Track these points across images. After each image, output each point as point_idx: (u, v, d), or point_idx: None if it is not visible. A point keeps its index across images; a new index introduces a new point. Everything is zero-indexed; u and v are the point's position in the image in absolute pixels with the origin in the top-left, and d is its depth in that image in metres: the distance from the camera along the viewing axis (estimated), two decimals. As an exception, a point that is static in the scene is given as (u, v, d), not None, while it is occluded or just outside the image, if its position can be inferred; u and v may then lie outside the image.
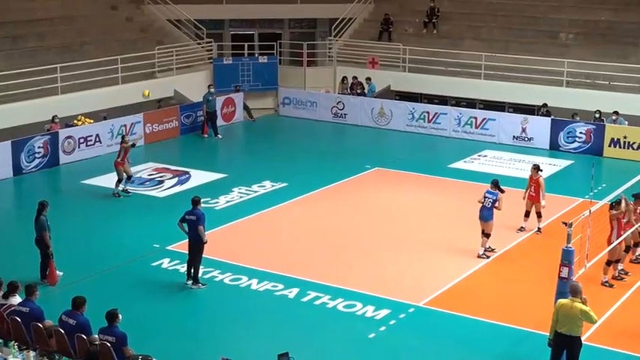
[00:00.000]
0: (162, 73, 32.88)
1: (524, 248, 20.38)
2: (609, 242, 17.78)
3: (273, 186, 24.88)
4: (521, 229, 21.19)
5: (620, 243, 17.98)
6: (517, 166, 27.47)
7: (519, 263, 19.52)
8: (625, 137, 28.99)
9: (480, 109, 32.58)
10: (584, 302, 13.55)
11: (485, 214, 19.66)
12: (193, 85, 33.41)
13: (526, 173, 26.39)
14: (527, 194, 21.34)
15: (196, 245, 17.69)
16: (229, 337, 15.80)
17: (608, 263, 18.09)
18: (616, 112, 29.68)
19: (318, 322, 16.38)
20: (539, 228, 21.13)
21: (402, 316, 16.62)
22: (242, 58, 35.82)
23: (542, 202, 21.00)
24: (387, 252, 19.98)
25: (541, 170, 21.58)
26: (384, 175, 26.18)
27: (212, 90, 31.31)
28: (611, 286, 18.08)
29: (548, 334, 13.96)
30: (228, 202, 23.35)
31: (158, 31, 35.69)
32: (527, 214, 21.33)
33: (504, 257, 19.80)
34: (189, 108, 31.88)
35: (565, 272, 14.64)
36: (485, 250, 19.64)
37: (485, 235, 19.63)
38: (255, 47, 37.72)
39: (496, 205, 19.48)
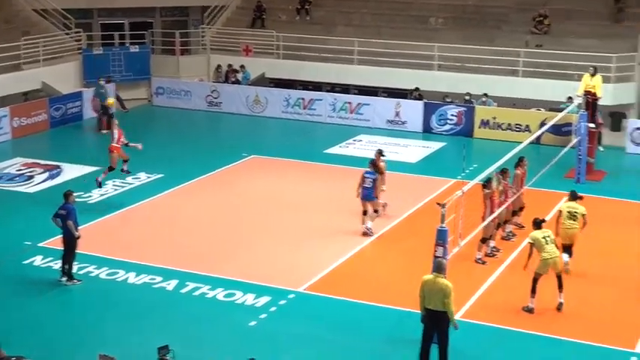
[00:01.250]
0: (28, 64, 31.78)
1: (401, 230, 20.70)
2: (483, 220, 18.25)
3: (148, 177, 24.49)
4: (376, 211, 20.87)
5: (492, 220, 18.49)
6: (392, 150, 27.85)
7: (396, 245, 19.81)
8: (494, 118, 29.82)
9: (354, 94, 32.90)
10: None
11: (367, 194, 19.89)
12: (62, 77, 32.48)
13: (401, 156, 26.97)
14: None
15: (69, 241, 17.23)
16: (108, 333, 15.44)
17: (483, 240, 18.58)
18: (485, 94, 30.50)
19: (198, 313, 16.22)
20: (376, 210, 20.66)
21: (283, 302, 16.64)
22: (112, 48, 35.05)
23: (383, 187, 20.99)
24: (265, 239, 19.96)
25: (384, 155, 21.71)
26: (261, 163, 26.15)
27: (102, 82, 30.44)
28: (484, 263, 18.58)
29: (420, 311, 14.20)
30: (102, 195, 22.85)
31: (24, 21, 34.48)
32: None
33: (382, 240, 20.07)
34: (59, 100, 31.00)
35: (440, 251, 14.91)
36: (367, 228, 19.93)
37: (365, 212, 19.97)
38: (126, 37, 36.97)
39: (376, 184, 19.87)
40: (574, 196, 18.47)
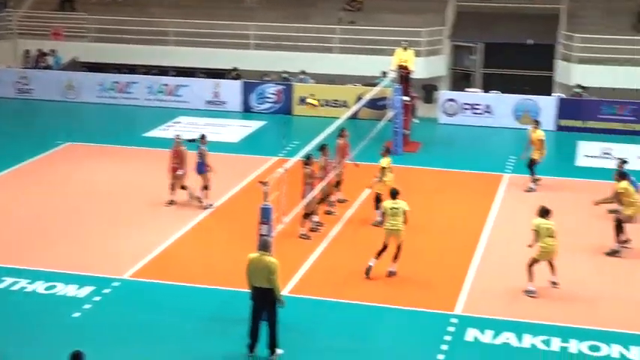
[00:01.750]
0: None
1: (224, 210, 20.63)
2: (303, 196, 18.46)
3: (-44, 170, 23.29)
4: (172, 202, 20.75)
5: (315, 196, 18.73)
6: (213, 130, 27.70)
7: (221, 226, 19.73)
8: (312, 95, 30.17)
9: (171, 76, 32.49)
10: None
11: (199, 168, 20.29)
12: None
13: (222, 136, 26.87)
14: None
15: None
16: None
17: (305, 216, 18.80)
18: (303, 72, 30.83)
19: (18, 308, 15.56)
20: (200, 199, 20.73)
21: (107, 291, 16.23)
22: None
23: (180, 172, 20.64)
24: (85, 228, 19.40)
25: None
26: (77, 150, 25.36)
27: None
28: (308, 238, 18.81)
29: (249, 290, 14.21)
30: None
31: None
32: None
33: (206, 221, 19.94)
34: None
35: (265, 229, 14.97)
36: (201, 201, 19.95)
37: (205, 187, 20.21)
38: None
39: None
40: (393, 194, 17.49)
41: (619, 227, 18.07)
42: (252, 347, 14.02)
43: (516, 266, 17.30)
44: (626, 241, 18.29)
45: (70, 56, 33.50)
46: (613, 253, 18.01)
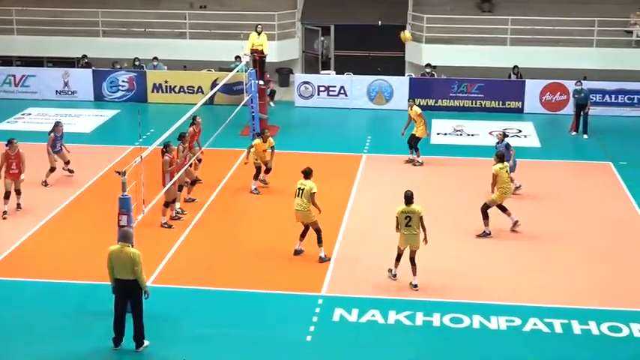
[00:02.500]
0: None
1: (82, 203, 20.10)
2: (164, 185, 18.21)
3: None
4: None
5: (174, 184, 18.51)
6: (66, 121, 26.83)
7: (78, 218, 19.22)
8: (166, 82, 29.78)
9: (17, 66, 31.31)
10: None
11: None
12: None
13: (75, 127, 26.15)
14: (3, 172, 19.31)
15: None
16: None
17: (166, 205, 18.55)
18: (155, 58, 30.33)
19: None
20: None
21: (-40, 292, 15.60)
22: None
23: (22, 176, 19.36)
24: None
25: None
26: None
27: None
28: (170, 226, 18.58)
29: (110, 282, 13.93)
30: None
31: None
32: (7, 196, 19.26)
33: (62, 214, 19.37)
34: None
35: (124, 220, 14.66)
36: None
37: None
38: None
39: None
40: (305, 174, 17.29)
41: (485, 212, 18.41)
42: (117, 341, 13.80)
43: (379, 245, 17.64)
44: (515, 223, 18.59)
45: None
46: (484, 235, 18.39)
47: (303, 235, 17.12)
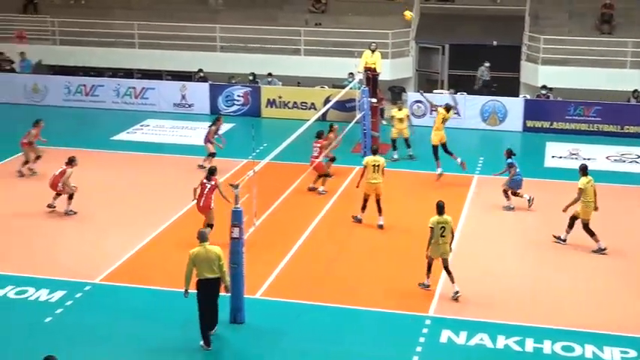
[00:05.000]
0: None
1: (194, 215, 20.47)
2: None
3: None
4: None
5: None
6: (181, 133, 27.64)
7: (190, 229, 19.53)
8: (280, 97, 30.16)
9: (137, 78, 32.26)
10: None
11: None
12: None
13: (191, 139, 26.73)
14: None
15: None
16: None
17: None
18: (270, 74, 30.78)
19: (-12, 314, 15.38)
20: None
21: (79, 295, 16.09)
22: None
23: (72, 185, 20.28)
24: (55, 232, 19.23)
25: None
26: (45, 154, 24.94)
27: None
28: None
29: (184, 288, 14.22)
30: None
31: None
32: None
33: (175, 225, 19.78)
34: None
35: (236, 232, 14.92)
36: None
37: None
38: None
39: None
40: (374, 151, 20.08)
41: (589, 230, 18.26)
42: (209, 340, 14.22)
43: (489, 267, 17.44)
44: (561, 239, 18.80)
45: (34, 59, 33.13)
46: (599, 251, 18.28)
47: (429, 269, 16.69)
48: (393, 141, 24.95)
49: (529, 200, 20.94)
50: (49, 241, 18.78)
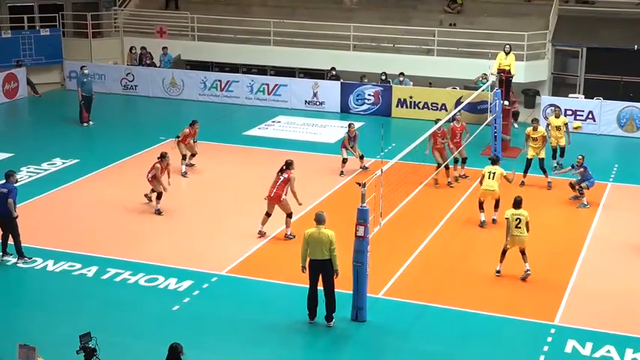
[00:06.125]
0: None
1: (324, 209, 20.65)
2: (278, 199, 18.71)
3: (64, 163, 24.00)
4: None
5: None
6: (311, 130, 27.92)
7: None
8: (411, 97, 30.07)
9: (271, 75, 32.78)
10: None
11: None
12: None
13: (320, 137, 26.99)
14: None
15: (8, 220, 17.25)
16: (26, 322, 15.11)
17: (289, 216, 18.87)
18: (402, 74, 30.72)
19: (119, 299, 15.97)
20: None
21: (206, 285, 16.53)
22: (22, 31, 34.14)
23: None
24: (186, 223, 19.78)
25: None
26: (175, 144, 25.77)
27: (86, 71, 28.83)
28: (294, 236, 18.69)
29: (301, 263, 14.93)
30: (17, 182, 22.20)
31: None
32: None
33: (300, 221, 19.96)
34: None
35: (361, 231, 14.99)
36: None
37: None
38: (35, 19, 36.00)
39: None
40: (493, 160, 20.26)
41: None
42: (312, 315, 14.93)
43: (619, 276, 16.95)
44: None
45: (173, 54, 34.13)
46: None
47: (503, 256, 17.08)
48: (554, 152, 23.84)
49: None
50: (180, 230, 19.34)
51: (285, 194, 18.72)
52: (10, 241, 17.53)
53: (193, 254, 18.00)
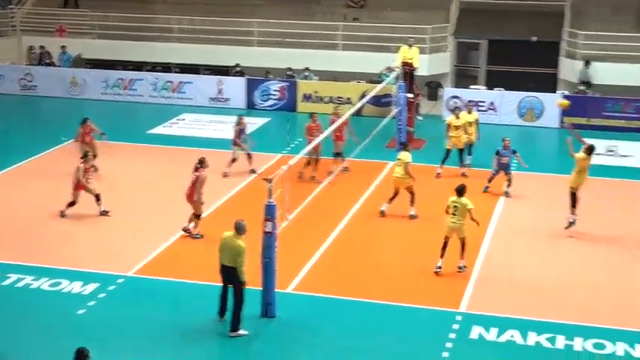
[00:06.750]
0: None
1: (229, 209, 20.59)
2: (190, 199, 18.45)
3: (-40, 167, 23.33)
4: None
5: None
6: (217, 127, 27.76)
7: (225, 223, 19.63)
8: (316, 92, 30.20)
9: (175, 72, 32.48)
10: None
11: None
12: None
13: (226, 134, 26.81)
14: None
15: None
16: None
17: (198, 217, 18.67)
18: (307, 69, 30.81)
19: (23, 305, 15.56)
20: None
21: (112, 287, 16.25)
22: None
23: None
24: (90, 225, 19.42)
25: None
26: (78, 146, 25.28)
27: None
28: (201, 236, 18.52)
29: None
30: None
31: None
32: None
33: (209, 220, 19.86)
34: None
35: (269, 226, 14.96)
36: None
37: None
38: None
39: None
40: (404, 146, 20.48)
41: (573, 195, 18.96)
42: (220, 313, 14.82)
43: (522, 263, 17.34)
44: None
45: (74, 53, 33.50)
46: (570, 225, 18.87)
47: (444, 248, 16.94)
48: (462, 151, 23.44)
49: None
50: (82, 234, 18.98)
51: (198, 194, 18.51)
52: None
53: (99, 256, 17.67)
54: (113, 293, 16.06)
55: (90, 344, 11.57)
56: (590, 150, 18.94)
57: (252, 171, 22.72)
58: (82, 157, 20.04)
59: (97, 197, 19.87)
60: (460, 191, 16.86)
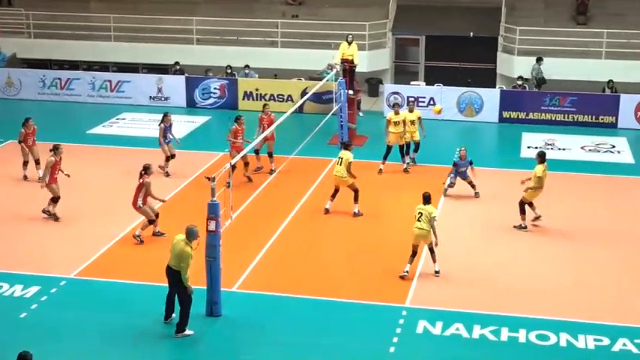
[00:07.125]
0: None
1: (171, 207, 20.41)
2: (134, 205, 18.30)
3: None
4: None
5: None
6: (156, 126, 27.38)
7: (167, 222, 19.50)
8: (257, 90, 30.09)
9: (113, 71, 32.10)
10: None
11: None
12: None
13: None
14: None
15: None
16: None
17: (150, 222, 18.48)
18: (247, 66, 30.70)
19: (-40, 311, 15.27)
20: None
21: (54, 290, 16.01)
22: None
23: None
24: (30, 228, 19.10)
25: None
26: (19, 148, 24.82)
27: None
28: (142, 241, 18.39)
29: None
30: None
31: None
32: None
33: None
34: None
35: (212, 225, 14.88)
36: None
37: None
38: None
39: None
40: (345, 145, 20.40)
41: (522, 205, 19.11)
42: (167, 316, 14.74)
43: (463, 258, 17.51)
44: (537, 218, 19.34)
45: (9, 53, 32.88)
46: (520, 228, 19.09)
47: (413, 256, 16.79)
48: (402, 147, 23.38)
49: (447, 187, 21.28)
50: (22, 236, 18.66)
51: (142, 201, 18.27)
52: None
53: (39, 259, 17.40)
54: (55, 296, 15.84)
55: (32, 348, 11.38)
56: (542, 156, 19.01)
57: (167, 173, 22.48)
58: (51, 150, 19.65)
59: (56, 200, 19.54)
60: (426, 198, 16.73)
